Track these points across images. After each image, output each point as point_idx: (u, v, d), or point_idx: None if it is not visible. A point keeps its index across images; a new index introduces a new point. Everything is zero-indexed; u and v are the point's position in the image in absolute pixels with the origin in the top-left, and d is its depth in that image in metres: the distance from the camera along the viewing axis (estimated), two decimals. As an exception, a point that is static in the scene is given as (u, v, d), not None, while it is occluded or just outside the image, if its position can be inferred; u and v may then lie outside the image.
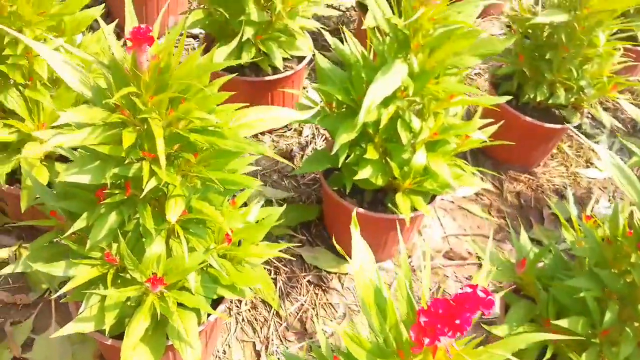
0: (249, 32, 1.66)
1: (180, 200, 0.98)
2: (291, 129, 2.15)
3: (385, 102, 1.33)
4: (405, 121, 1.40)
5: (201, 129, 0.97)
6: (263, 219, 1.28)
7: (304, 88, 2.29)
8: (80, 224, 0.99)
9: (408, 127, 1.40)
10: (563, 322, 1.14)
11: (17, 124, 1.26)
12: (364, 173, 1.44)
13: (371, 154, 1.41)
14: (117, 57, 0.93)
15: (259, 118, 1.07)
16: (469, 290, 0.62)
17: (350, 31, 2.59)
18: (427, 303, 0.67)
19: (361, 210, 1.56)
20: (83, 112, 0.89)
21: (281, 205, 1.92)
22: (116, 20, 1.55)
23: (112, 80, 0.93)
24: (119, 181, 0.99)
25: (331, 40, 1.53)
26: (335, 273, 1.75)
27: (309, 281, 1.72)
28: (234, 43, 1.18)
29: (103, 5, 1.42)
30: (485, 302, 0.60)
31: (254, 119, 1.07)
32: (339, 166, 1.43)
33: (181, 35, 0.98)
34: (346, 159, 1.44)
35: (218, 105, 1.01)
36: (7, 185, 1.38)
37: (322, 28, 1.77)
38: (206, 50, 1.94)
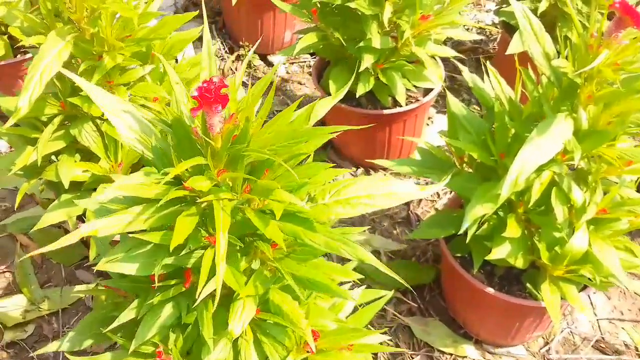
0: (368, 61, 1.39)
1: (249, 303, 0.74)
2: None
3: (539, 167, 1.00)
4: (563, 191, 1.06)
5: (285, 212, 0.71)
6: (362, 306, 1.01)
7: (429, 118, 1.98)
8: (127, 315, 0.78)
9: (566, 199, 1.06)
10: None
11: (90, 165, 1.09)
12: (500, 252, 1.12)
13: (512, 230, 1.09)
14: (184, 113, 0.70)
15: (367, 194, 0.79)
16: None
17: (489, 52, 2.24)
18: None
19: (491, 291, 1.24)
20: (132, 188, 0.67)
21: (392, 258, 1.65)
22: (216, 43, 1.35)
23: (176, 145, 0.70)
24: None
25: (469, 77, 1.22)
26: (451, 354, 1.43)
27: (416, 362, 1.42)
28: (345, 87, 0.91)
29: (202, 27, 1.22)
30: None
31: (358, 194, 0.80)
32: (467, 240, 1.12)
33: (271, 84, 0.74)
34: (477, 229, 1.12)
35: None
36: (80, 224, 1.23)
37: (456, 57, 1.46)
38: (318, 76, 1.70)
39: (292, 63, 2.27)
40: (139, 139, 0.73)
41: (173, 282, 0.76)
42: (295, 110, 0.78)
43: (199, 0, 2.37)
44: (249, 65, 2.18)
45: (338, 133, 0.79)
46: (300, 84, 2.19)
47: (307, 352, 0.86)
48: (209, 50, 0.74)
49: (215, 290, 0.66)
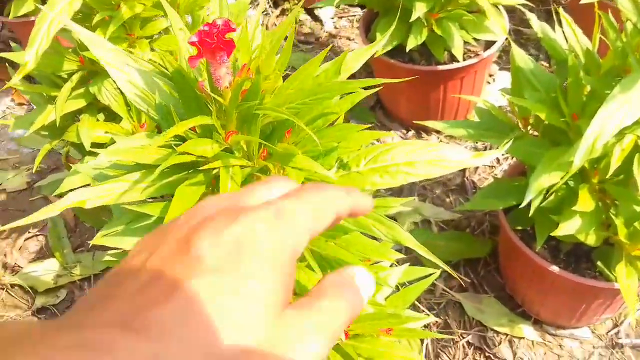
0: (420, 10, 1.23)
1: None
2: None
3: (621, 131, 0.84)
4: (648, 159, 0.89)
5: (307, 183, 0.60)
6: (403, 285, 0.90)
7: (490, 75, 1.80)
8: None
9: (651, 168, 0.89)
10: None
11: (111, 126, 1.00)
12: (569, 227, 0.97)
13: (584, 203, 0.93)
14: (187, 65, 0.59)
15: (408, 161, 0.66)
16: None
17: (560, 1, 2.01)
18: None
19: (556, 269, 1.09)
20: (128, 152, 0.57)
21: (443, 229, 1.52)
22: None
23: (180, 102, 0.59)
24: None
25: (538, 26, 1.05)
26: (506, 335, 1.30)
27: (468, 342, 1.30)
28: (386, 34, 0.77)
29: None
30: None
31: (397, 161, 0.67)
32: (530, 214, 0.97)
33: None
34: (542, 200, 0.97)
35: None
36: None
37: (524, 5, 1.28)
38: (366, 29, 1.55)
39: (341, 17, 2.11)
40: (141, 95, 0.63)
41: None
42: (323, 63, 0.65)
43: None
44: (295, 20, 2.05)
45: (378, 88, 0.66)
46: (350, 39, 2.04)
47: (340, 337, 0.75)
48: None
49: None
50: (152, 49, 1.03)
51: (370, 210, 0.32)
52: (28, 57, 0.84)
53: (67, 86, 1.00)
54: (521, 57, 0.99)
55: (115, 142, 0.95)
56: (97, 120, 1.05)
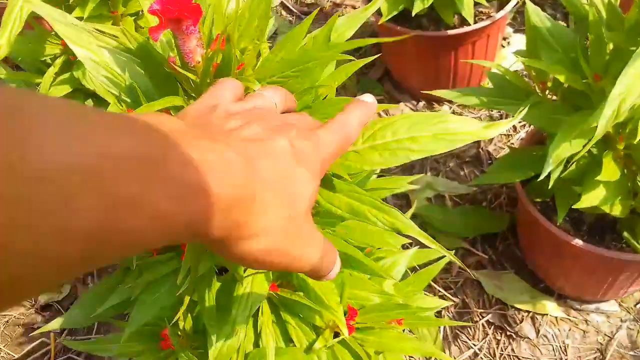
0: (425, -32, 1.14)
1: (259, 281, 0.58)
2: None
3: (648, 92, 0.76)
4: (679, 121, 0.81)
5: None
6: (413, 270, 0.83)
7: (504, 39, 1.71)
8: (120, 295, 0.64)
9: (683, 131, 0.81)
10: None
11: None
12: (592, 199, 0.89)
13: (609, 172, 0.85)
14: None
15: (410, 136, 0.59)
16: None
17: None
18: None
19: (579, 243, 1.02)
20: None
21: (458, 204, 1.44)
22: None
23: (149, 81, 0.53)
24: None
25: (553, -22, 0.96)
26: (528, 312, 1.24)
27: (488, 321, 1.24)
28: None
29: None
30: None
31: (398, 137, 0.59)
32: (549, 184, 0.90)
33: None
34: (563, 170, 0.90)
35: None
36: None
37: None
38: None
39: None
40: (110, 77, 0.56)
41: (170, 255, 0.61)
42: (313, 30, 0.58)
43: None
44: (296, -10, 1.96)
45: (375, 56, 0.59)
46: (355, 8, 1.95)
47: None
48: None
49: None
50: (139, 27, 0.97)
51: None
52: (0, 42, 0.78)
53: (50, 72, 0.94)
54: (537, 14, 0.91)
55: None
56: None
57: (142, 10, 0.98)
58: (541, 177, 0.80)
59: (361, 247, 0.60)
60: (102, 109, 0.29)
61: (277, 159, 0.34)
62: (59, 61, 0.96)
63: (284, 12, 1.93)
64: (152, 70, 0.52)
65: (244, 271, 0.58)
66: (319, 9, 0.65)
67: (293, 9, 1.93)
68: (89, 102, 1.02)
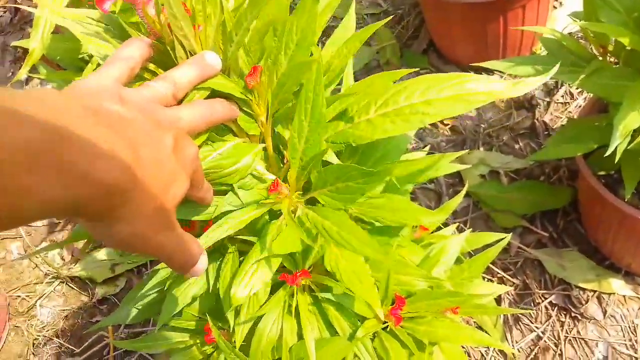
0: None
1: (268, 261, 0.54)
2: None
3: None
4: None
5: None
6: (467, 255, 0.78)
7: (556, 0, 1.60)
8: (153, 286, 0.63)
9: None
10: None
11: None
12: (664, 171, 0.82)
13: (683, 141, 0.78)
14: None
15: (424, 100, 0.53)
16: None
17: None
18: None
19: (647, 218, 0.94)
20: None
21: (514, 179, 1.37)
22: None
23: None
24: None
25: None
26: (594, 291, 1.17)
27: (551, 302, 1.18)
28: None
29: None
30: None
31: (412, 102, 0.53)
32: (616, 157, 0.83)
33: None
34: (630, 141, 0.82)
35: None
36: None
37: None
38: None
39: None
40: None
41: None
42: None
43: None
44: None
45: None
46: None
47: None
48: None
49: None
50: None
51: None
52: (34, 45, 0.77)
53: (88, 68, 0.94)
54: (593, -28, 0.83)
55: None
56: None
57: None
58: (608, 152, 0.73)
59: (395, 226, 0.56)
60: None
61: (159, 153, 0.37)
62: (95, 58, 0.95)
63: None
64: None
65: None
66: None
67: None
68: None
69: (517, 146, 1.39)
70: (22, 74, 0.83)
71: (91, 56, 0.96)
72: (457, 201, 0.75)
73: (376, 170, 0.47)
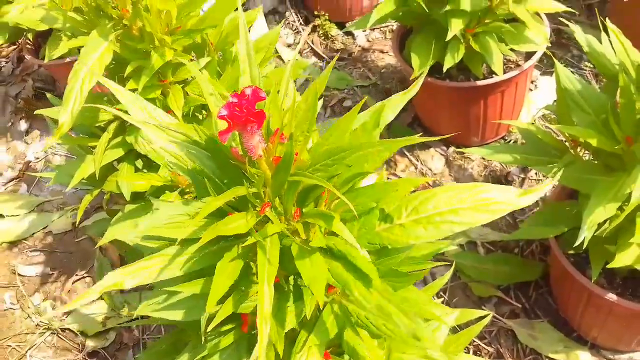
0: (456, 27, 1.18)
1: (313, 353, 0.61)
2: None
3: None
4: None
5: (338, 253, 0.57)
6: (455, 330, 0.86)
7: (531, 82, 1.73)
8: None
9: None
10: None
11: (149, 176, 1.00)
12: (626, 259, 0.91)
13: (643, 232, 0.87)
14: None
15: (451, 209, 0.63)
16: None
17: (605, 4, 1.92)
18: None
19: (613, 297, 1.03)
20: (162, 230, 0.56)
21: (491, 250, 1.46)
22: (290, 14, 1.21)
23: (215, 170, 0.58)
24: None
25: (583, 39, 1.00)
26: (563, 362, 1.24)
27: (523, 371, 1.25)
28: (426, 67, 0.74)
29: (259, 8, 1.08)
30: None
31: (441, 210, 0.63)
32: (584, 246, 0.92)
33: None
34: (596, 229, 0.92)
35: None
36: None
37: (567, 12, 1.22)
38: (400, 45, 1.51)
39: (373, 29, 2.08)
40: (174, 160, 0.61)
41: (228, 326, 0.65)
42: (360, 112, 0.62)
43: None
44: (326, 37, 2.02)
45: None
46: (383, 52, 2.00)
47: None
48: (247, 50, 0.60)
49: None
50: (187, 94, 1.03)
51: None
52: (63, 119, 0.84)
53: (104, 137, 1.01)
54: (567, 77, 0.94)
55: (156, 190, 0.94)
56: (136, 167, 1.05)
57: (190, 78, 1.04)
58: (577, 243, 0.82)
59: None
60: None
61: None
62: (112, 126, 1.02)
63: (314, 58, 2.00)
64: (218, 159, 0.56)
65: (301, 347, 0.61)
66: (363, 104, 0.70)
67: (323, 55, 1.99)
68: (139, 163, 1.08)
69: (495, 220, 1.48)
70: (50, 145, 0.90)
71: (108, 124, 1.03)
72: (445, 280, 0.83)
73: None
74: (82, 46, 0.90)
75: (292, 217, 0.58)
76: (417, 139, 0.53)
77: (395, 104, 0.63)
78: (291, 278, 0.62)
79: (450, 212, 0.63)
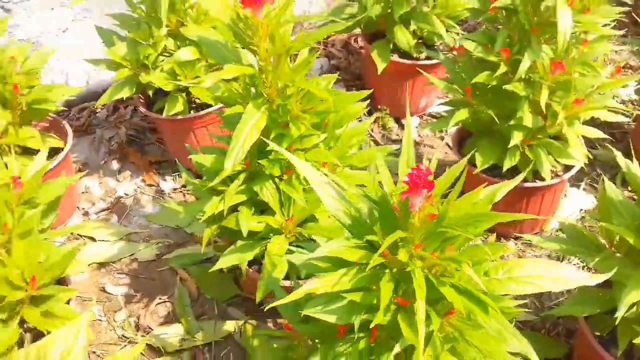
0: (517, 138, 1.46)
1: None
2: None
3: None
4: None
5: (462, 288, 0.80)
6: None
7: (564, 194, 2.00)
8: (314, 361, 0.89)
9: None
10: None
11: (267, 218, 1.23)
12: (650, 338, 1.13)
13: (665, 318, 1.10)
14: (387, 191, 0.82)
15: (537, 274, 0.87)
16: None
17: (622, 126, 2.22)
18: None
19: (633, 375, 1.23)
20: (339, 251, 0.79)
21: (521, 329, 1.66)
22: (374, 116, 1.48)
23: (380, 218, 0.82)
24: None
25: (623, 162, 1.26)
26: None
27: None
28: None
29: (367, 102, 1.36)
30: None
31: (530, 274, 0.87)
32: (616, 322, 1.14)
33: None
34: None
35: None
36: (249, 269, 1.39)
37: (607, 140, 1.50)
38: (459, 144, 1.79)
39: (424, 127, 2.37)
40: (340, 209, 0.86)
41: (360, 334, 0.87)
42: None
43: (340, 64, 2.56)
44: (384, 127, 2.32)
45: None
46: (432, 147, 2.28)
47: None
48: (408, 141, 0.86)
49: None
50: (306, 159, 1.28)
51: None
52: (227, 165, 1.09)
53: (235, 184, 1.25)
54: (612, 190, 1.20)
55: (267, 232, 1.18)
56: (253, 212, 1.29)
57: (311, 146, 1.29)
58: (617, 320, 1.04)
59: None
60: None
61: None
62: (241, 176, 1.27)
63: (373, 145, 2.28)
64: (384, 211, 0.81)
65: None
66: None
67: (380, 142, 2.27)
68: (252, 209, 1.32)
69: (526, 301, 1.69)
70: (214, 184, 1.15)
71: (237, 174, 1.28)
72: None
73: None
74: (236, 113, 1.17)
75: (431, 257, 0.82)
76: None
77: (505, 187, 0.88)
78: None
79: (536, 277, 0.87)
